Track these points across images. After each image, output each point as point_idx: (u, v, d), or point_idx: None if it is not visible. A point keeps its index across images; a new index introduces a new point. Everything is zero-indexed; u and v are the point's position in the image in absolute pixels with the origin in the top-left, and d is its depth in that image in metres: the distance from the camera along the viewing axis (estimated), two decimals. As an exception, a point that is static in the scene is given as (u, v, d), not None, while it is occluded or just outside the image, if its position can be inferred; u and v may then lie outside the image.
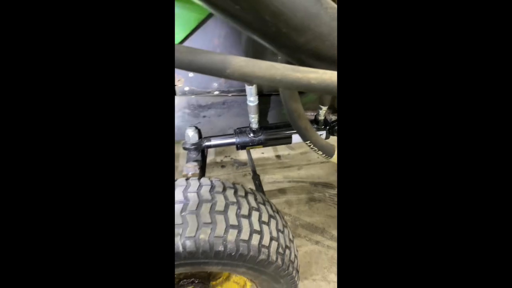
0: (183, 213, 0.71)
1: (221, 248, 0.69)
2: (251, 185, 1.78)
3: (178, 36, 0.73)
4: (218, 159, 2.20)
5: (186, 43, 0.77)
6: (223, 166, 2.13)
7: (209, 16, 0.73)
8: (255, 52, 0.83)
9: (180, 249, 0.67)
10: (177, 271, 0.73)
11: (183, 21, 0.70)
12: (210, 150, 2.25)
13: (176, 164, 2.04)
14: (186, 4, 0.66)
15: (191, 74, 0.93)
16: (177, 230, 0.68)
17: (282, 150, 2.29)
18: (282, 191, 1.91)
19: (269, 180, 1.99)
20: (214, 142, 1.12)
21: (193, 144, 1.10)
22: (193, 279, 0.91)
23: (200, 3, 0.40)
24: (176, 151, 2.13)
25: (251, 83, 0.77)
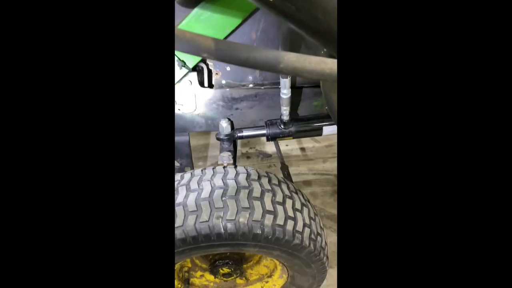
0: (223, 198, 0.76)
1: (258, 231, 0.74)
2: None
3: (224, 33, 0.77)
4: (244, 150, 2.26)
5: (227, 39, 0.82)
6: (248, 157, 2.19)
7: (252, 13, 0.76)
8: (291, 46, 0.86)
9: (222, 230, 0.73)
10: (218, 250, 0.80)
11: (228, 18, 0.74)
12: (238, 141, 2.31)
13: (205, 154, 2.12)
14: (232, 3, 0.70)
15: (228, 68, 0.97)
16: (219, 213, 0.74)
17: (307, 142, 2.31)
18: (307, 183, 1.94)
19: (294, 172, 2.02)
20: (246, 133, 1.17)
21: (226, 135, 1.15)
22: (227, 260, 0.97)
23: (257, 3, 0.43)
24: (206, 141, 2.22)
25: (301, 77, 0.80)
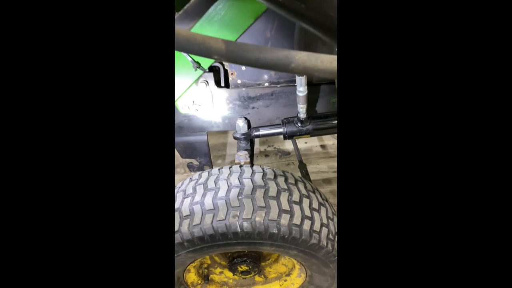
0: (239, 197, 0.77)
1: (275, 230, 0.74)
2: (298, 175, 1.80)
3: (236, 33, 0.78)
4: (262, 148, 2.26)
5: (240, 38, 0.82)
6: (266, 155, 2.19)
7: (264, 12, 0.76)
8: (306, 43, 0.84)
9: (238, 229, 0.74)
10: (235, 249, 0.81)
11: (241, 18, 0.74)
12: (255, 140, 2.31)
13: (224, 152, 2.15)
14: (243, 3, 0.70)
15: (243, 68, 0.97)
16: (235, 212, 0.75)
17: (327, 140, 2.26)
18: (327, 181, 1.90)
19: (313, 170, 2.00)
20: (262, 132, 1.17)
21: (243, 134, 1.16)
22: (245, 258, 0.98)
23: (266, 3, 0.43)
24: (224, 140, 2.25)
25: (313, 76, 0.79)
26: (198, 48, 0.43)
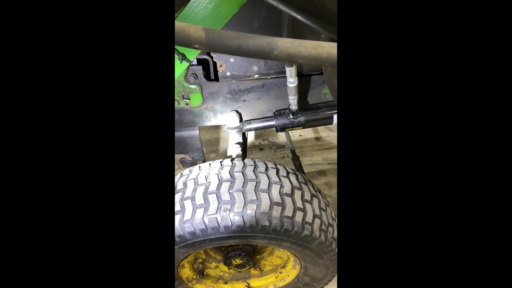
0: (230, 191, 0.76)
1: (266, 223, 0.74)
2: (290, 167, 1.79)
3: (221, 22, 0.76)
4: (257, 142, 2.25)
5: (226, 28, 0.80)
6: (261, 149, 2.18)
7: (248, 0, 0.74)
8: (295, 33, 0.82)
9: (229, 223, 0.73)
10: (227, 243, 0.80)
11: (225, 6, 0.72)
12: (249, 133, 2.30)
13: (218, 147, 2.14)
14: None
15: (232, 59, 0.96)
16: (226, 206, 0.74)
17: (322, 131, 2.26)
18: (321, 173, 1.90)
19: (308, 162, 1.99)
20: (254, 125, 1.16)
21: (234, 128, 1.15)
22: (239, 252, 0.98)
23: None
24: (218, 135, 2.23)
25: (297, 63, 0.77)
26: (177, 37, 0.41)
